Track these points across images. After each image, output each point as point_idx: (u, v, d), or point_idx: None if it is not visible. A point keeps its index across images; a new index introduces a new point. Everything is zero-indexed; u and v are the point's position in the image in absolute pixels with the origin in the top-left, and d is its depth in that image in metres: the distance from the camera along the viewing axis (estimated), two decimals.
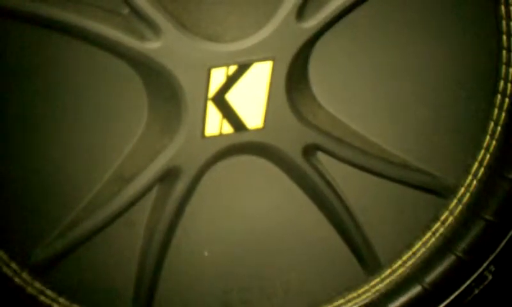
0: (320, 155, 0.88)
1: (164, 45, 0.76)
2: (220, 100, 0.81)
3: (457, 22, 0.85)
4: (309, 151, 0.86)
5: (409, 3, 0.83)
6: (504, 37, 0.86)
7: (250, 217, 0.90)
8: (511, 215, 0.92)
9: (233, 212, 0.89)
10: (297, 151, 0.86)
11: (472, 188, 0.93)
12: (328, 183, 0.89)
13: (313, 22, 0.80)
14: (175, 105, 0.80)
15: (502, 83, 0.88)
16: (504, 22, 0.85)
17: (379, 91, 0.87)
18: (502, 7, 0.84)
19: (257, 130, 0.83)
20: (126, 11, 0.76)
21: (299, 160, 0.86)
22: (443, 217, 0.95)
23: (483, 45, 0.87)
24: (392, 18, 0.83)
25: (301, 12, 0.79)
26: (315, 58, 0.83)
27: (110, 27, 0.75)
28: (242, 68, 0.80)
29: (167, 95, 0.80)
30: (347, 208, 0.91)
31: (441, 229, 0.95)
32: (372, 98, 0.87)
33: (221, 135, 0.82)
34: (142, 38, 0.76)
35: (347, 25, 0.82)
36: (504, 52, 0.87)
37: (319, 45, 0.83)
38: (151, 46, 0.76)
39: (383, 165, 0.90)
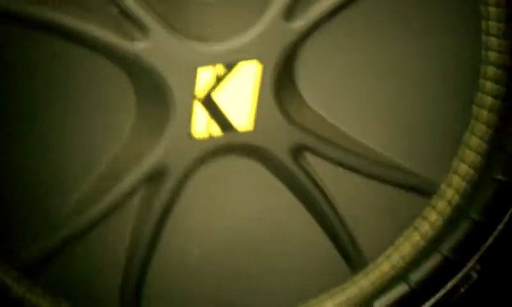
0: (307, 155, 0.88)
1: (152, 45, 0.76)
2: (208, 100, 0.81)
3: (440, 23, 0.86)
4: (296, 151, 0.87)
5: (396, 5, 0.83)
6: (484, 36, 0.86)
7: (237, 217, 0.90)
8: (498, 215, 0.93)
9: (221, 212, 0.89)
10: (284, 151, 0.86)
11: (458, 187, 0.94)
12: (315, 183, 0.89)
13: (301, 23, 0.80)
14: (162, 105, 0.80)
15: (484, 81, 0.89)
16: (483, 22, 0.86)
17: (366, 92, 0.87)
18: (483, 7, 0.85)
19: (245, 131, 0.83)
20: (114, 11, 0.76)
21: (286, 160, 0.86)
22: (429, 217, 0.95)
23: (466, 44, 0.87)
24: (379, 18, 0.84)
25: (289, 12, 0.79)
26: (303, 58, 0.84)
27: (97, 27, 0.75)
28: (230, 68, 0.80)
29: (155, 95, 0.80)
30: (333, 208, 0.91)
31: (428, 229, 0.95)
32: (358, 98, 0.87)
33: (208, 135, 0.82)
34: (130, 38, 0.76)
35: (334, 25, 0.82)
36: (484, 51, 0.87)
37: (307, 45, 0.83)
38: (139, 46, 0.76)
39: (369, 165, 0.90)
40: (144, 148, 0.82)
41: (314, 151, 0.87)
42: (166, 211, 0.85)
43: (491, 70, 0.88)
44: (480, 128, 0.91)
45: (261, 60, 0.80)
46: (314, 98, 0.86)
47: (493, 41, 0.86)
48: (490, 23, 0.86)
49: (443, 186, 0.94)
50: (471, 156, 0.92)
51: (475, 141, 0.91)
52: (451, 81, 0.89)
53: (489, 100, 0.89)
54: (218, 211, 0.88)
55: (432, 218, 0.95)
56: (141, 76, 0.78)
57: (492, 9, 0.85)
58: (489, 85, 0.88)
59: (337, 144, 0.88)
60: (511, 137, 0.90)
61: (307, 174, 0.88)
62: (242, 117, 0.83)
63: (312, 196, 0.89)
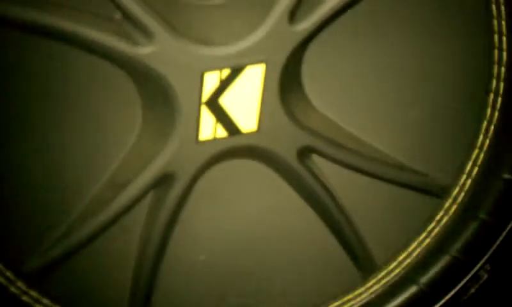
0: (314, 157, 0.88)
1: (157, 50, 0.76)
2: (214, 104, 0.80)
3: (449, 23, 0.85)
4: (304, 153, 0.86)
5: (402, 4, 0.83)
6: (496, 36, 0.86)
7: (246, 220, 0.89)
8: (506, 214, 0.93)
9: (229, 215, 0.88)
10: (291, 154, 0.85)
11: (466, 187, 0.93)
12: (323, 185, 0.89)
13: (305, 24, 0.79)
14: (168, 109, 0.79)
15: (494, 82, 0.89)
16: (495, 21, 0.85)
17: (373, 92, 0.87)
18: (493, 7, 0.84)
19: (251, 133, 0.83)
20: (118, 16, 0.75)
21: (293, 162, 0.86)
22: (438, 217, 0.95)
23: (475, 45, 0.87)
24: (385, 18, 0.83)
25: (293, 14, 0.78)
26: (308, 60, 0.83)
27: (102, 32, 0.74)
28: (235, 72, 0.79)
29: (160, 100, 0.79)
30: (342, 210, 0.91)
31: (437, 229, 0.95)
32: (365, 99, 0.87)
33: (215, 139, 0.82)
34: (134, 42, 0.76)
35: (339, 26, 0.82)
36: (496, 51, 0.87)
37: (311, 46, 0.82)
38: (143, 51, 0.76)
39: (377, 166, 0.90)
40: (151, 152, 0.81)
41: (321, 153, 0.87)
42: (174, 215, 0.85)
43: (503, 71, 0.87)
44: (490, 128, 0.90)
45: (266, 63, 0.80)
46: (320, 100, 0.86)
47: (505, 41, 0.86)
48: (503, 22, 0.85)
49: (452, 186, 0.94)
50: (480, 156, 0.92)
51: (484, 141, 0.91)
52: (459, 81, 0.89)
53: (499, 100, 0.89)
54: (226, 214, 0.88)
55: (441, 219, 0.95)
56: (147, 81, 0.78)
57: (503, 8, 0.84)
58: (500, 86, 0.88)
59: (345, 146, 0.87)
60: None
61: (314, 176, 0.88)
62: (249, 120, 0.82)
63: (319, 198, 0.89)
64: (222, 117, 0.81)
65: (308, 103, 0.86)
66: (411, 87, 0.88)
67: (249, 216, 0.89)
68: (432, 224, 0.95)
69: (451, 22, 0.85)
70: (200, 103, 0.80)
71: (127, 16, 0.75)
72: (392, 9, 0.83)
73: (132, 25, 0.75)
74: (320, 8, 0.79)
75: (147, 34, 0.75)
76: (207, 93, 0.79)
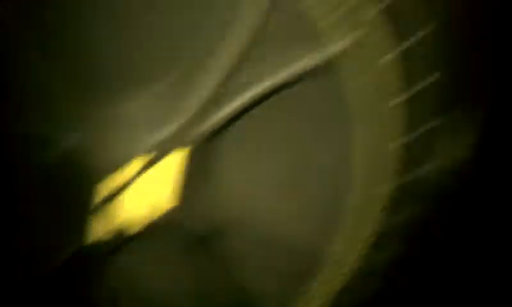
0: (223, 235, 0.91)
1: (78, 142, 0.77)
2: (129, 188, 0.82)
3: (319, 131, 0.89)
4: (212, 232, 0.89)
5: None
6: None
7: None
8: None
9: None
10: (201, 231, 0.88)
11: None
12: (225, 261, 0.92)
13: (218, 116, 0.83)
14: (81, 197, 0.81)
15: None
16: None
17: (274, 176, 0.91)
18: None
19: (166, 214, 0.85)
20: None
21: (202, 239, 0.89)
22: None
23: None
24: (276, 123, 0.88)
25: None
26: (221, 145, 0.86)
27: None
28: (153, 159, 0.82)
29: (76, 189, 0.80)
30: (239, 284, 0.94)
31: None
32: (267, 182, 0.91)
33: (132, 221, 0.84)
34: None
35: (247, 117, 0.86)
36: None
37: (224, 134, 0.86)
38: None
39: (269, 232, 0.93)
40: (64, 238, 0.82)
41: (227, 234, 0.90)
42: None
43: None
44: None
45: (182, 150, 0.82)
46: (231, 181, 0.89)
47: None
48: None
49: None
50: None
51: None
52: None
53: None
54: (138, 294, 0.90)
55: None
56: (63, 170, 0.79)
57: None
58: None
59: (250, 223, 0.91)
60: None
61: (220, 252, 0.91)
62: (165, 201, 0.85)
63: (223, 268, 0.92)
64: (139, 200, 0.83)
65: (220, 184, 0.89)
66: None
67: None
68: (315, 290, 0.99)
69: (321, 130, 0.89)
70: (115, 189, 0.81)
71: None
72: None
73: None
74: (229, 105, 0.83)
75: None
76: (123, 179, 0.81)
